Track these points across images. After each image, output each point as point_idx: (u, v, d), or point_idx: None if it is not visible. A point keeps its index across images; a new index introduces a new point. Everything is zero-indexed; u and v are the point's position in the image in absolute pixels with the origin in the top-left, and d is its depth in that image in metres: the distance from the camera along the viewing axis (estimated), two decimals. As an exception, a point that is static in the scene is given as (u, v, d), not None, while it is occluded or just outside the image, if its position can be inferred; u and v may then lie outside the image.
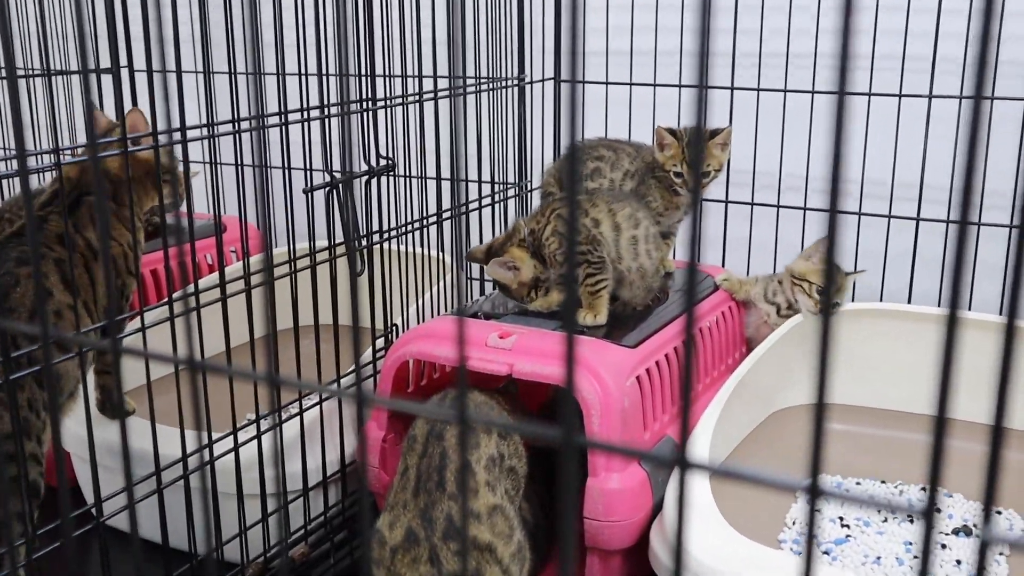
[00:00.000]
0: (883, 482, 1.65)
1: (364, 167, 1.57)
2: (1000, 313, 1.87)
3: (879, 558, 1.43)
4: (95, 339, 1.40)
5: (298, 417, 1.50)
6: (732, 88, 1.99)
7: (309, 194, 1.44)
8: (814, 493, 0.37)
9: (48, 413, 1.35)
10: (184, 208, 1.62)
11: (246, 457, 1.40)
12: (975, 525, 1.51)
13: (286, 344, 1.49)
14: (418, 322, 1.76)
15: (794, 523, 1.53)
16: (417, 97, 1.67)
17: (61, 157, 1.23)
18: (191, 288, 1.48)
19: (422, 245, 1.73)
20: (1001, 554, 1.42)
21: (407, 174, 1.77)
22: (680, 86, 2.04)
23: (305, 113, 1.46)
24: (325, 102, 1.45)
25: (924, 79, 1.85)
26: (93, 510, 1.27)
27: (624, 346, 1.48)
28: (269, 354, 0.47)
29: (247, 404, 1.44)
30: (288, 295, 1.46)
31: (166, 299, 1.30)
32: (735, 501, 1.34)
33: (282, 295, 1.57)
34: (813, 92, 1.94)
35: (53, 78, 1.89)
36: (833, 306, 1.75)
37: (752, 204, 2.02)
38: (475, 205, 1.84)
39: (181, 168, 1.49)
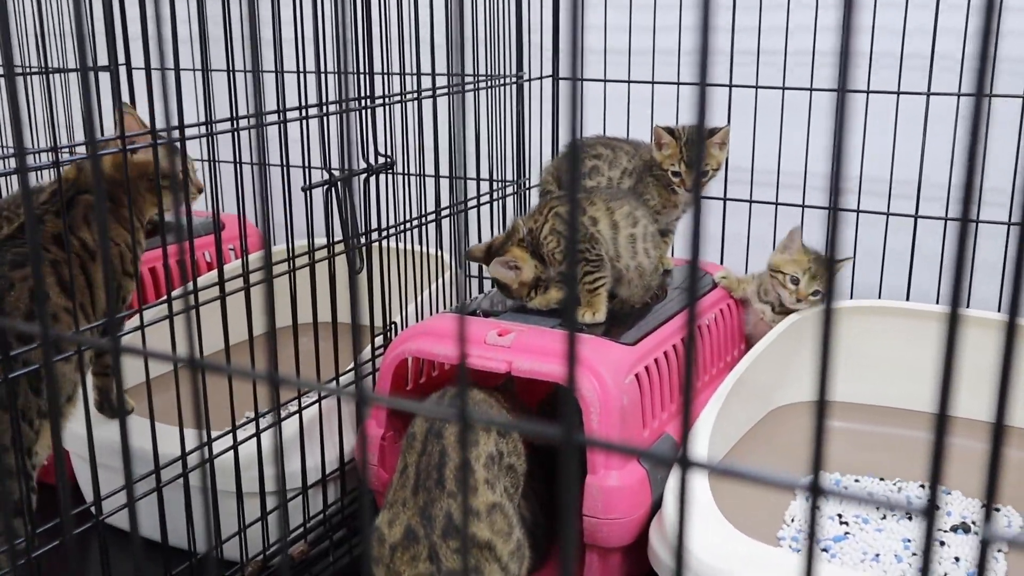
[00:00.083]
0: (882, 479, 1.65)
1: (362, 165, 1.57)
2: (999, 310, 1.87)
3: (878, 555, 1.43)
4: (92, 339, 1.40)
5: (297, 415, 1.50)
6: (730, 86, 1.99)
7: (308, 192, 1.43)
8: (815, 492, 0.37)
9: (42, 421, 1.34)
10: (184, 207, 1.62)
11: (245, 455, 1.40)
12: (974, 522, 1.51)
13: (285, 342, 1.49)
14: (417, 320, 1.76)
15: (793, 520, 1.53)
16: (416, 95, 1.67)
17: (60, 156, 1.22)
18: (190, 286, 1.48)
19: (421, 243, 1.73)
20: (1000, 551, 1.42)
21: (406, 172, 1.77)
22: (678, 83, 2.04)
23: (304, 111, 1.46)
24: (324, 100, 1.45)
25: (922, 76, 1.86)
26: (92, 508, 1.27)
27: (623, 344, 1.48)
28: (269, 353, 0.47)
29: (246, 402, 1.44)
30: (287, 293, 1.45)
31: (165, 297, 1.29)
32: (734, 498, 1.34)
33: (281, 293, 1.57)
34: (811, 89, 1.94)
35: (51, 76, 1.89)
36: (814, 293, 1.75)
37: (750, 201, 2.02)
38: (474, 203, 1.84)
39: (189, 167, 1.49)
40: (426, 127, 1.72)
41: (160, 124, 1.27)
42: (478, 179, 1.85)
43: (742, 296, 1.85)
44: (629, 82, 2.09)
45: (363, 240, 1.53)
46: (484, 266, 1.64)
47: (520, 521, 1.28)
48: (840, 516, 1.53)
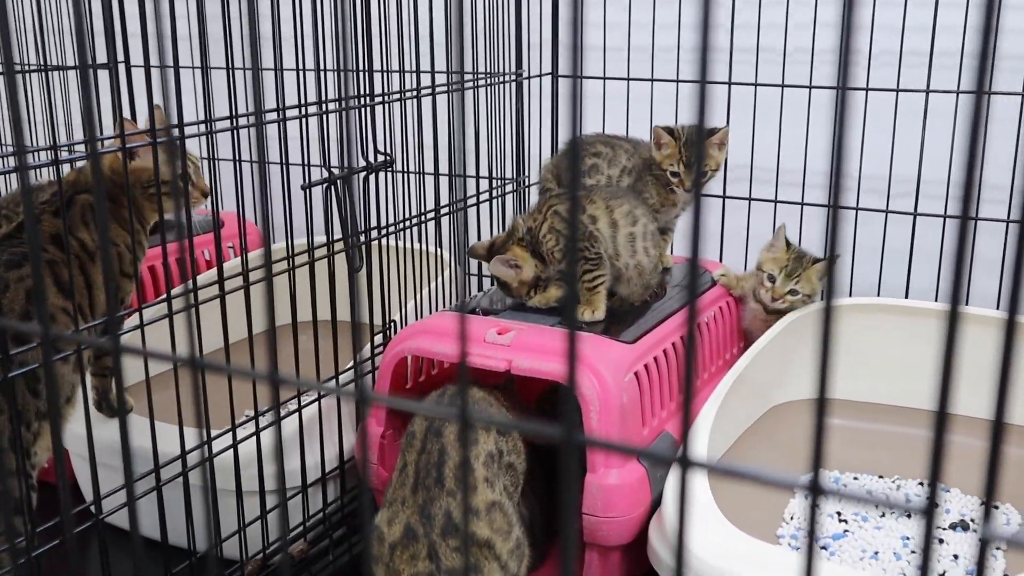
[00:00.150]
0: (880, 477, 1.65)
1: (362, 163, 1.57)
2: (998, 307, 1.87)
3: (877, 553, 1.44)
4: (92, 338, 1.40)
5: (297, 414, 1.50)
6: (730, 83, 1.99)
7: (307, 190, 1.43)
8: (815, 491, 0.37)
9: (41, 423, 1.34)
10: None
11: (245, 454, 1.40)
12: (972, 520, 1.51)
13: (284, 340, 1.49)
14: (416, 318, 1.76)
15: (792, 518, 1.53)
16: (415, 93, 1.67)
17: (59, 154, 1.22)
18: (190, 285, 1.48)
19: (420, 241, 1.73)
20: (998, 548, 1.43)
21: (405, 170, 1.77)
22: (678, 81, 2.04)
23: (303, 109, 1.46)
24: (323, 98, 1.45)
25: (921, 73, 1.86)
26: (92, 508, 1.27)
27: (622, 342, 1.48)
28: (269, 352, 0.47)
29: (246, 401, 1.44)
30: (286, 291, 1.45)
31: (164, 296, 1.29)
32: (733, 496, 1.34)
33: (280, 291, 1.57)
34: (810, 87, 1.94)
35: (50, 74, 1.89)
36: (790, 292, 1.74)
37: (749, 199, 2.02)
38: (473, 201, 1.84)
39: (192, 169, 1.48)
40: (425, 125, 1.72)
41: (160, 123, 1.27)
42: (477, 177, 1.85)
43: (741, 294, 1.85)
44: (628, 80, 2.09)
45: (362, 238, 1.53)
46: (485, 263, 1.64)
47: (519, 519, 1.28)
48: (839, 514, 1.54)
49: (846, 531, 1.49)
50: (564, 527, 0.40)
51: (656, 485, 1.40)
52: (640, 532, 1.37)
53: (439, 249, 1.74)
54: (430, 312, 1.79)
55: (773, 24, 1.98)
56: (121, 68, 1.43)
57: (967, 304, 1.84)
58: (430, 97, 1.71)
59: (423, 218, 1.72)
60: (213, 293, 1.33)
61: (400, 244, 1.67)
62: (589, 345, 1.43)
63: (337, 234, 1.50)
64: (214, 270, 1.47)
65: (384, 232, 1.61)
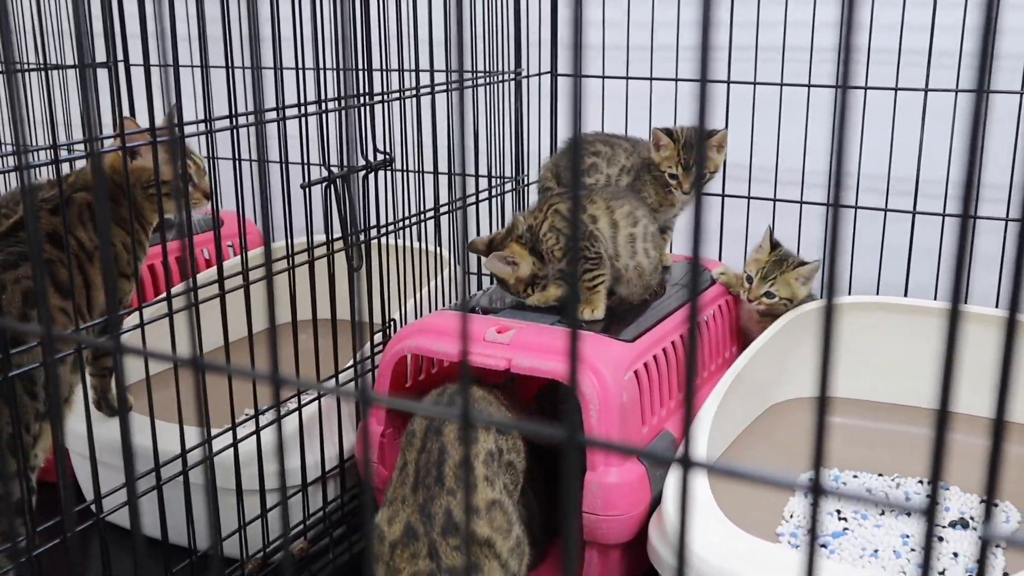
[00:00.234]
0: (880, 475, 1.65)
1: (361, 162, 1.57)
2: (997, 305, 1.88)
3: (876, 551, 1.44)
4: (91, 339, 1.39)
5: (297, 413, 1.50)
6: (728, 82, 1.99)
7: (307, 189, 1.43)
8: (816, 491, 0.37)
9: (40, 424, 1.34)
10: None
11: (245, 453, 1.40)
12: (972, 518, 1.51)
13: (284, 339, 1.49)
14: (416, 317, 1.76)
15: (792, 516, 1.53)
16: (414, 92, 1.67)
17: (59, 153, 1.22)
18: (191, 284, 1.48)
19: (420, 240, 1.73)
20: (998, 546, 1.43)
21: (404, 168, 1.77)
22: (677, 80, 2.04)
23: (303, 108, 1.46)
24: (322, 97, 1.45)
25: (920, 72, 1.86)
26: (92, 507, 1.27)
27: (622, 340, 1.48)
28: (270, 352, 0.47)
29: (246, 400, 1.45)
30: (286, 290, 1.45)
31: (164, 295, 1.29)
32: (732, 494, 1.34)
33: (280, 290, 1.57)
34: (809, 86, 1.94)
35: (49, 73, 1.89)
36: (766, 295, 1.74)
37: (749, 198, 2.03)
38: (472, 200, 1.84)
39: (194, 169, 1.48)
40: (425, 124, 1.72)
41: (162, 121, 1.27)
42: (476, 176, 1.85)
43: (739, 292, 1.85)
44: (627, 79, 2.09)
45: (362, 237, 1.53)
46: (484, 260, 1.64)
47: (519, 518, 1.28)
48: (839, 512, 1.54)
49: (846, 529, 1.49)
50: (565, 527, 0.40)
51: (656, 483, 1.40)
52: (640, 530, 1.37)
53: (438, 248, 1.74)
54: (430, 311, 1.79)
55: (772, 22, 1.98)
56: (121, 67, 1.43)
57: (967, 302, 1.84)
58: (429, 96, 1.71)
59: (422, 217, 1.72)
60: (213, 292, 1.34)
61: (400, 243, 1.67)
62: (589, 344, 1.43)
63: (337, 233, 1.50)
64: (214, 269, 1.47)
65: (384, 231, 1.61)
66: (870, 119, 1.92)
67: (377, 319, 1.62)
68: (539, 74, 2.03)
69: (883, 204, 1.94)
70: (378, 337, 1.63)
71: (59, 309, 1.34)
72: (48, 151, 1.19)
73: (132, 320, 1.42)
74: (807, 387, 1.79)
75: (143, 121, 1.27)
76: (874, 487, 1.62)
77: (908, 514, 1.53)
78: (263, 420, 1.41)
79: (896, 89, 1.88)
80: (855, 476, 1.65)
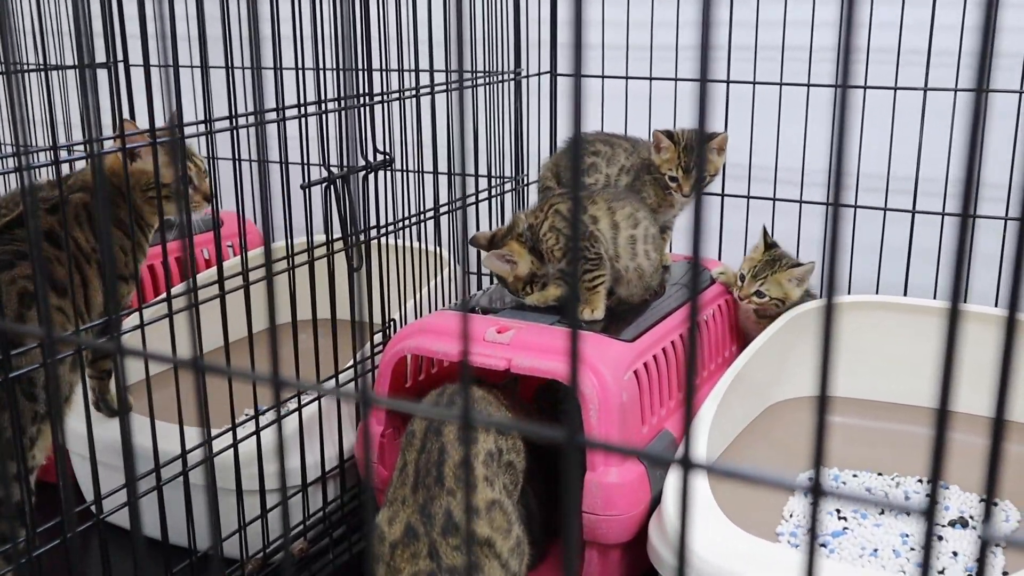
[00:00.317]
0: (880, 474, 1.65)
1: (361, 162, 1.57)
2: (995, 304, 1.88)
3: (876, 550, 1.44)
4: (91, 340, 1.39)
5: (297, 413, 1.50)
6: (728, 81, 1.99)
7: (307, 190, 1.44)
8: (816, 492, 0.37)
9: (38, 426, 1.33)
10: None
11: (245, 453, 1.40)
12: (971, 517, 1.51)
13: (284, 339, 1.49)
14: (416, 317, 1.76)
15: (792, 516, 1.53)
16: (414, 92, 1.67)
17: (59, 154, 1.22)
18: (191, 284, 1.48)
19: (420, 240, 1.73)
20: (997, 545, 1.43)
21: (404, 169, 1.77)
22: (676, 79, 2.04)
23: (303, 109, 1.46)
24: (322, 97, 1.45)
25: (920, 72, 1.86)
26: (93, 507, 1.27)
27: (622, 340, 1.48)
28: (271, 354, 0.47)
29: (245, 400, 1.45)
30: (286, 290, 1.45)
31: (164, 296, 1.29)
32: (732, 494, 1.35)
33: (280, 290, 1.57)
34: (809, 85, 1.94)
35: (49, 73, 1.89)
36: (756, 294, 1.74)
37: (748, 197, 2.03)
38: (472, 199, 1.84)
39: (195, 172, 1.48)
40: (424, 124, 1.72)
41: (163, 121, 1.27)
42: (476, 175, 1.85)
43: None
44: (627, 78, 2.09)
45: (362, 237, 1.53)
46: (483, 256, 1.64)
47: (519, 518, 1.29)
48: (839, 511, 1.54)
49: (845, 528, 1.49)
50: (566, 527, 0.41)
51: (656, 483, 1.40)
52: (640, 530, 1.37)
53: (438, 248, 1.74)
54: (429, 311, 1.79)
55: (771, 22, 1.98)
56: (121, 68, 1.43)
57: (966, 301, 1.85)
58: (429, 96, 1.71)
59: (422, 217, 1.72)
60: (213, 292, 1.34)
61: (400, 243, 1.67)
62: (589, 344, 1.43)
63: (337, 233, 1.51)
64: (213, 269, 1.47)
65: (383, 231, 1.61)
66: (869, 118, 1.92)
67: (377, 319, 1.62)
68: (539, 74, 2.03)
69: (883, 203, 1.94)
70: (378, 337, 1.63)
71: (56, 308, 1.33)
72: (48, 152, 1.19)
73: (132, 320, 1.42)
74: (807, 386, 1.79)
75: (143, 122, 1.27)
76: (874, 486, 1.62)
77: (908, 513, 1.53)
78: (263, 420, 1.42)
79: (896, 88, 1.88)
80: (855, 475, 1.65)
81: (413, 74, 1.68)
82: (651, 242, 1.62)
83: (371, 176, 1.57)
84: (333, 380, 1.55)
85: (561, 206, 1.59)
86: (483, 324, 1.49)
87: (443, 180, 1.74)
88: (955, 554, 1.43)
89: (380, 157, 1.58)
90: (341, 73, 1.62)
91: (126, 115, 1.38)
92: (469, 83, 1.79)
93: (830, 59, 1.98)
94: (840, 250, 0.39)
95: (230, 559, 1.51)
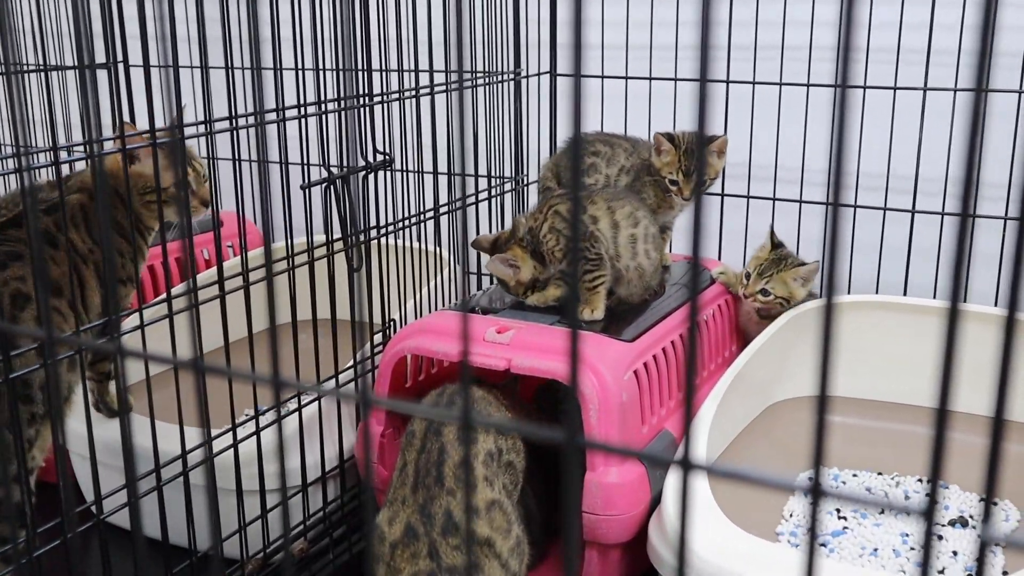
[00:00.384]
0: (880, 474, 1.65)
1: (361, 163, 1.57)
2: (995, 304, 1.88)
3: (876, 550, 1.44)
4: (90, 340, 1.39)
5: (297, 413, 1.51)
6: (728, 81, 1.99)
7: (307, 190, 1.44)
8: (816, 493, 0.37)
9: (36, 428, 1.33)
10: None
11: (245, 453, 1.40)
12: (971, 516, 1.51)
13: (284, 340, 1.49)
14: (416, 317, 1.76)
15: (792, 515, 1.53)
16: (414, 92, 1.67)
17: (59, 155, 1.21)
18: (191, 285, 1.48)
19: (419, 240, 1.73)
20: (997, 544, 1.43)
21: (404, 169, 1.77)
22: (676, 79, 2.04)
23: (303, 109, 1.46)
24: (322, 98, 1.45)
25: (919, 71, 1.86)
26: (93, 507, 1.27)
27: (622, 340, 1.48)
28: (271, 354, 0.47)
29: (245, 400, 1.45)
30: (286, 290, 1.46)
31: (164, 296, 1.29)
32: (732, 494, 1.35)
33: (280, 290, 1.57)
34: (808, 85, 1.94)
35: (49, 74, 1.89)
36: (761, 292, 1.74)
37: (748, 197, 2.03)
38: (472, 200, 1.84)
39: (193, 176, 1.47)
40: (424, 124, 1.72)
41: (164, 122, 1.27)
42: (476, 176, 1.86)
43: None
44: (627, 78, 2.09)
45: (362, 237, 1.53)
46: (486, 258, 1.65)
47: (519, 518, 1.29)
48: (839, 511, 1.54)
49: (845, 528, 1.49)
50: (566, 527, 0.41)
51: (656, 483, 1.40)
52: (640, 530, 1.37)
53: (438, 248, 1.74)
54: (429, 311, 1.79)
55: (771, 21, 1.98)
56: (121, 68, 1.43)
57: (966, 301, 1.85)
58: (429, 96, 1.71)
59: (422, 217, 1.72)
60: (213, 293, 1.34)
61: (399, 243, 1.68)
62: (588, 344, 1.44)
63: (337, 233, 1.51)
64: (213, 269, 1.47)
65: (383, 231, 1.61)
66: (869, 118, 1.92)
67: (377, 319, 1.62)
68: (538, 74, 2.03)
69: (882, 203, 1.95)
70: (378, 337, 1.63)
71: (52, 309, 1.33)
72: (48, 153, 1.19)
73: (132, 321, 1.42)
74: (807, 386, 1.79)
75: (143, 122, 1.27)
76: (873, 486, 1.62)
77: (908, 513, 1.53)
78: (263, 420, 1.42)
79: (895, 88, 1.89)
80: (855, 475, 1.66)
81: (413, 74, 1.68)
82: (651, 241, 1.62)
83: (371, 176, 1.57)
84: (333, 380, 1.55)
85: (560, 207, 1.59)
86: (483, 324, 1.49)
87: (443, 180, 1.74)
88: (955, 553, 1.43)
89: (380, 157, 1.58)
90: (341, 73, 1.62)
91: (126, 116, 1.38)
92: (469, 83, 1.79)
93: (830, 59, 1.98)
94: (840, 250, 0.39)
95: (230, 559, 1.51)
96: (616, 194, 1.66)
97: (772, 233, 1.80)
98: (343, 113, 1.57)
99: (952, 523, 1.50)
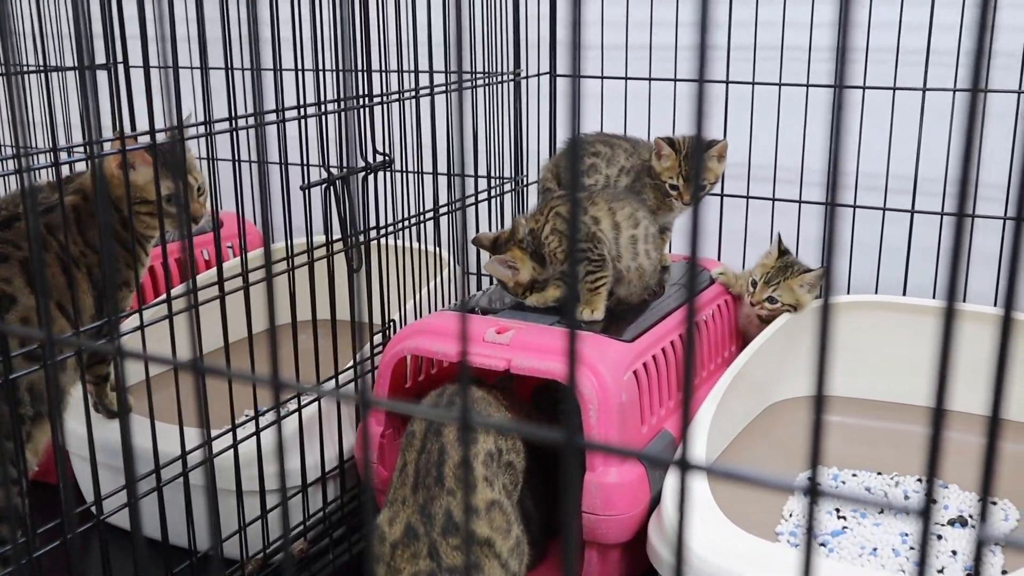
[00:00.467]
0: (879, 473, 1.65)
1: (361, 163, 1.58)
2: (995, 304, 1.88)
3: (876, 549, 1.44)
4: (89, 342, 1.39)
5: (296, 414, 1.51)
6: (727, 82, 1.99)
7: (307, 191, 1.44)
8: (813, 494, 0.37)
9: (29, 431, 1.33)
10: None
11: (245, 454, 1.40)
12: (971, 516, 1.51)
13: (284, 340, 1.49)
14: (416, 318, 1.76)
15: (791, 515, 1.53)
16: (413, 93, 1.67)
17: (59, 156, 1.21)
18: (191, 286, 1.48)
19: (419, 240, 1.73)
20: (996, 544, 1.43)
21: (404, 169, 1.77)
22: (675, 80, 2.04)
23: (302, 110, 1.46)
24: (322, 98, 1.45)
25: (918, 72, 1.86)
26: (93, 508, 1.27)
27: (621, 340, 1.48)
28: (271, 356, 0.47)
29: (245, 401, 1.45)
30: (285, 291, 1.46)
31: (164, 297, 1.29)
32: (732, 494, 1.35)
33: (279, 291, 1.57)
34: (808, 85, 1.94)
35: (49, 75, 1.89)
36: (768, 300, 1.74)
37: (747, 197, 2.03)
38: (471, 200, 1.84)
39: (195, 183, 1.47)
40: (424, 125, 1.72)
41: (164, 123, 1.27)
42: (476, 176, 1.86)
43: (738, 292, 1.85)
44: (626, 79, 2.09)
45: (361, 238, 1.53)
46: (485, 258, 1.65)
47: (519, 518, 1.29)
48: (838, 511, 1.54)
49: (845, 528, 1.49)
50: (565, 527, 0.41)
51: (655, 483, 1.40)
52: (639, 530, 1.38)
53: (438, 248, 1.74)
54: (429, 311, 1.79)
55: (770, 22, 1.98)
56: (120, 69, 1.43)
57: (964, 301, 1.85)
58: (428, 97, 1.71)
59: (422, 218, 1.72)
60: (213, 294, 1.34)
61: (399, 244, 1.68)
62: (588, 344, 1.44)
63: (336, 234, 1.51)
64: (213, 270, 1.47)
65: (383, 232, 1.62)
66: (869, 118, 1.93)
67: (377, 320, 1.62)
68: (538, 75, 2.03)
69: (882, 203, 1.95)
70: (378, 338, 1.63)
71: (36, 309, 1.32)
72: (48, 154, 1.19)
73: (132, 322, 1.42)
74: (806, 386, 1.79)
75: (143, 123, 1.27)
76: (873, 486, 1.62)
77: (906, 513, 1.53)
78: (263, 421, 1.42)
79: (894, 88, 1.89)
80: (854, 475, 1.66)
81: (412, 75, 1.68)
82: (651, 241, 1.63)
83: (371, 177, 1.57)
84: (333, 381, 1.55)
85: (561, 208, 1.59)
86: (483, 325, 1.49)
87: (443, 181, 1.74)
88: (954, 553, 1.43)
89: (380, 158, 1.58)
90: (340, 74, 1.62)
91: (126, 117, 1.38)
92: (468, 84, 1.80)
93: (829, 59, 1.98)
94: (838, 250, 0.39)
95: (230, 560, 1.51)
96: (616, 195, 1.66)
97: (779, 240, 1.80)
98: (343, 114, 1.57)
99: (951, 523, 1.50)
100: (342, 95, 1.59)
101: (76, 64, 1.37)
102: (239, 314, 1.35)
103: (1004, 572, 1.38)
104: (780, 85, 1.97)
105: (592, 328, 1.53)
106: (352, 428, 1.63)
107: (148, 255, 1.51)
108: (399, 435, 1.50)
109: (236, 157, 1.48)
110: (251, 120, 1.45)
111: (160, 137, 1.26)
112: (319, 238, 1.50)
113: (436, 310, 1.81)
